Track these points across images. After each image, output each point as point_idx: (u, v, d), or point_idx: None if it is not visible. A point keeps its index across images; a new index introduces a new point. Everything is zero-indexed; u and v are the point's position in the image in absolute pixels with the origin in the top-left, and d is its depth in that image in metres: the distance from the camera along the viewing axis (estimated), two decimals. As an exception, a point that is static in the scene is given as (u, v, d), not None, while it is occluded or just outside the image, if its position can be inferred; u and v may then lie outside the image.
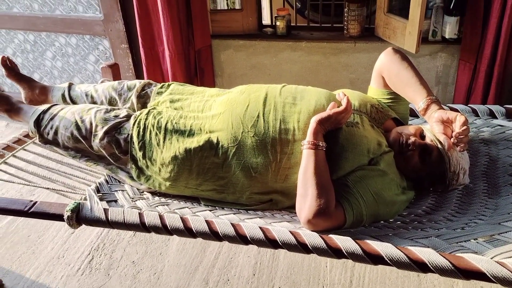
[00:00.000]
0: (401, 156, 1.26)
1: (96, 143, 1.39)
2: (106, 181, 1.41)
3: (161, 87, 1.58)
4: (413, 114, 1.57)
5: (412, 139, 1.25)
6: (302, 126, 1.22)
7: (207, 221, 1.13)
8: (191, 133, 1.32)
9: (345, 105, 1.20)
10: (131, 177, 1.40)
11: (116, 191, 1.36)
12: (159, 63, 2.04)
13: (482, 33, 1.75)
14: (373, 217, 1.15)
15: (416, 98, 1.26)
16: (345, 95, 1.26)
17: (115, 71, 1.99)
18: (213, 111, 1.35)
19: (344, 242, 1.01)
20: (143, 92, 1.59)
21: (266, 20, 2.41)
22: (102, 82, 1.96)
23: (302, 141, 1.19)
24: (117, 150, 1.38)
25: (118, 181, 1.42)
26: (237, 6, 2.20)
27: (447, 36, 1.92)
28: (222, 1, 2.23)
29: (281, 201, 1.28)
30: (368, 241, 1.01)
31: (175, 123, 1.34)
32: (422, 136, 1.28)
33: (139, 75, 2.31)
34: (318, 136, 1.17)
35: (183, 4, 1.87)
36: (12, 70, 1.73)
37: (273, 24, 2.23)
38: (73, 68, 2.45)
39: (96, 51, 2.34)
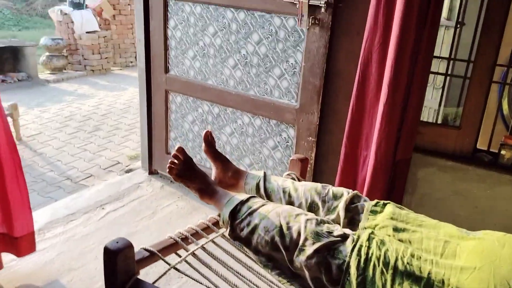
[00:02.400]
0: None
1: (301, 259, 1.19)
2: (304, 309, 1.19)
3: (376, 205, 1.37)
4: None
5: None
6: None
7: None
8: (429, 283, 1.05)
9: None
10: (335, 314, 1.15)
11: (318, 328, 1.12)
12: (356, 168, 1.88)
13: None
14: None
15: None
16: None
17: (304, 166, 1.86)
18: (462, 261, 1.08)
19: None
20: (353, 205, 1.40)
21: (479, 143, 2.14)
22: (287, 174, 1.85)
23: None
24: (324, 276, 1.16)
25: (317, 313, 1.18)
26: (452, 121, 1.98)
27: None
28: (428, 112, 2.04)
29: None
30: None
31: (407, 263, 1.09)
32: None
33: (318, 172, 2.18)
34: None
35: (401, 111, 1.71)
36: (212, 146, 1.69)
37: (489, 149, 1.95)
38: (247, 148, 2.42)
39: (277, 137, 2.28)
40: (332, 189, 1.47)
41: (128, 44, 8.19)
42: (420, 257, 1.11)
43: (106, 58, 7.48)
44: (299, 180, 1.82)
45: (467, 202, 1.92)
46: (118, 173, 3.73)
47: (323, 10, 1.91)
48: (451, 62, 2.04)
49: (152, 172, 2.96)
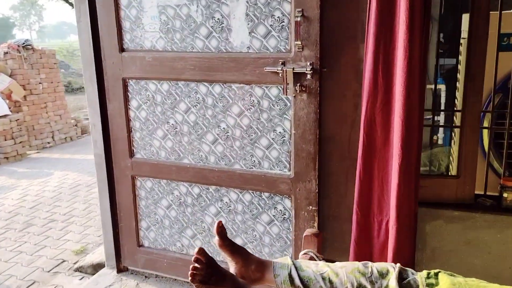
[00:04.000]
0: None
1: None
2: None
3: (428, 277, 1.29)
4: None
5: None
6: None
7: None
8: None
9: None
10: None
11: None
12: (371, 236, 1.80)
13: None
14: None
15: None
16: None
17: (319, 241, 1.75)
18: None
19: None
20: (404, 281, 1.30)
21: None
22: (305, 253, 1.72)
23: None
24: None
25: None
26: (451, 171, 2.02)
27: None
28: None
29: None
30: None
31: None
32: None
33: (323, 241, 2.06)
34: None
35: (415, 168, 1.70)
36: (227, 239, 1.51)
37: (485, 193, 2.01)
38: (238, 227, 2.24)
39: (272, 211, 2.15)
40: (375, 267, 1.37)
41: (43, 124, 7.64)
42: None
43: (20, 142, 6.87)
44: (318, 258, 1.70)
45: (479, 250, 1.92)
46: (66, 273, 3.30)
47: (309, 76, 1.89)
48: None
49: (121, 269, 2.62)
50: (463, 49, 2.21)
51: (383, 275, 1.34)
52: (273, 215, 2.16)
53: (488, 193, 2.03)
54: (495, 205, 1.94)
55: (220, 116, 2.14)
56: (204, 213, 2.32)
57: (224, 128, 2.15)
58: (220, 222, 1.53)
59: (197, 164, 2.25)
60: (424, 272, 1.33)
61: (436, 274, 1.31)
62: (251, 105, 2.07)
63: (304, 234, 1.77)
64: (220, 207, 2.27)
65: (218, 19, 2.03)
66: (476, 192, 2.03)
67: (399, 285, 1.29)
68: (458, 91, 2.34)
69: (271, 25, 1.95)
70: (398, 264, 1.38)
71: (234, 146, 2.15)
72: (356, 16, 1.86)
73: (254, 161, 2.13)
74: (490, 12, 1.78)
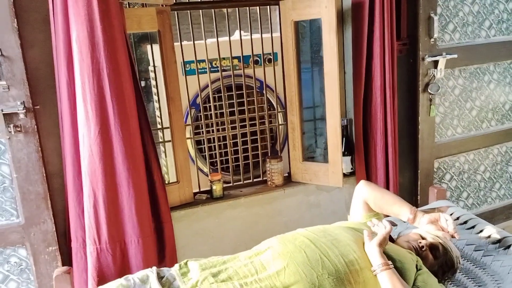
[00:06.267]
0: (420, 257, 1.66)
1: None
2: None
3: (180, 268, 1.59)
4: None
5: (423, 242, 1.68)
6: (360, 254, 1.52)
7: None
8: (263, 297, 1.41)
9: (389, 226, 1.58)
10: None
11: None
12: (108, 258, 1.89)
13: (366, 167, 2.51)
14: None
15: (402, 212, 1.75)
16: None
17: (72, 277, 1.77)
18: (274, 268, 1.48)
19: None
20: (163, 279, 1.55)
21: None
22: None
23: (366, 267, 1.48)
24: None
25: None
26: (172, 179, 2.37)
27: (344, 171, 2.58)
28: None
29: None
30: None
31: (241, 293, 1.41)
32: (422, 238, 1.73)
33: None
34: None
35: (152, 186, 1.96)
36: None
37: (200, 189, 2.47)
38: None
39: (5, 266, 1.95)
40: (135, 277, 1.55)
41: None
42: (247, 283, 1.44)
43: None
44: None
45: (205, 237, 2.36)
46: None
47: (22, 116, 1.84)
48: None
49: None
50: (156, 75, 2.61)
51: (145, 281, 1.53)
52: (8, 270, 1.98)
53: (203, 189, 2.51)
54: (209, 197, 2.42)
55: None
56: None
57: None
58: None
59: None
60: (176, 265, 1.60)
61: (186, 263, 1.60)
62: (-47, 156, 1.83)
63: (54, 276, 1.74)
64: None
65: None
66: (194, 191, 2.47)
67: (160, 284, 1.51)
68: (158, 110, 2.74)
69: (-37, 66, 1.78)
70: (154, 267, 1.60)
71: None
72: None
73: (-33, 219, 1.89)
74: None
